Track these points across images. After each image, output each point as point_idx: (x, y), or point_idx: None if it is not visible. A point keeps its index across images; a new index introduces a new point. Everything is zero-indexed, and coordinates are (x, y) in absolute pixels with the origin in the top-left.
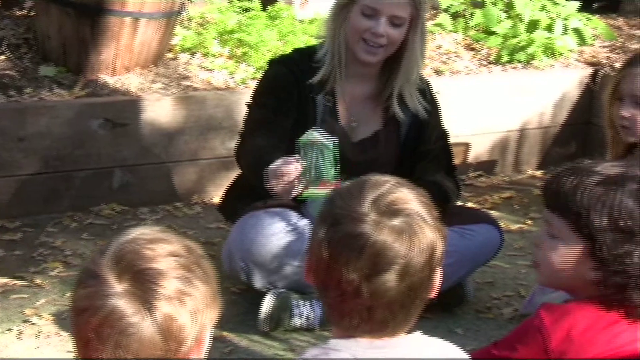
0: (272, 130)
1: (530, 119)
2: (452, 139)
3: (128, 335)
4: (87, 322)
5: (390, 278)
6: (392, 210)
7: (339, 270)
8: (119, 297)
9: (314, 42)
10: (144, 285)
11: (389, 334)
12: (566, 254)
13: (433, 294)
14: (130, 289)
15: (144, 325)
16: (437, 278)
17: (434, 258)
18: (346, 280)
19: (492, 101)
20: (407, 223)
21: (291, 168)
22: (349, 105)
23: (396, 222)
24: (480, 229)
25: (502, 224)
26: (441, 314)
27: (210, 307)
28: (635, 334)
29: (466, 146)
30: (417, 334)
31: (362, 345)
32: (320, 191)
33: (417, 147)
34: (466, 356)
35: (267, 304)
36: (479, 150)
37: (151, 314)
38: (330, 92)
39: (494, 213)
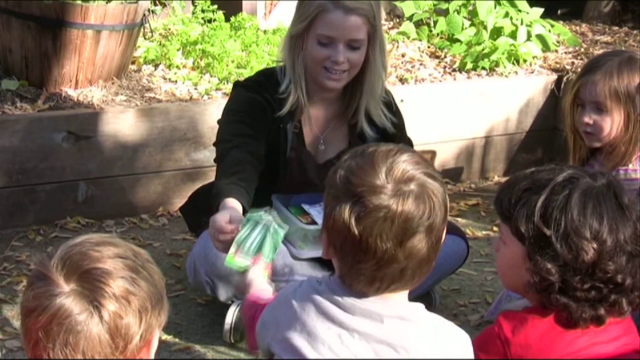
0: (251, 141)
1: (496, 126)
2: (418, 147)
3: (76, 333)
4: (35, 322)
5: (420, 238)
6: (406, 178)
7: (373, 243)
8: (66, 296)
9: (277, 50)
10: (91, 284)
11: (408, 287)
12: (509, 257)
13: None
14: (78, 289)
15: (91, 323)
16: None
17: (447, 208)
18: (381, 250)
19: (457, 108)
20: (421, 185)
21: (227, 230)
22: (316, 128)
23: (413, 186)
24: (447, 240)
25: (468, 231)
26: None
27: (157, 308)
28: (593, 338)
29: (432, 154)
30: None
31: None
32: (244, 262)
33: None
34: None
35: (231, 316)
36: (444, 157)
37: (98, 311)
38: (297, 119)
39: (460, 220)
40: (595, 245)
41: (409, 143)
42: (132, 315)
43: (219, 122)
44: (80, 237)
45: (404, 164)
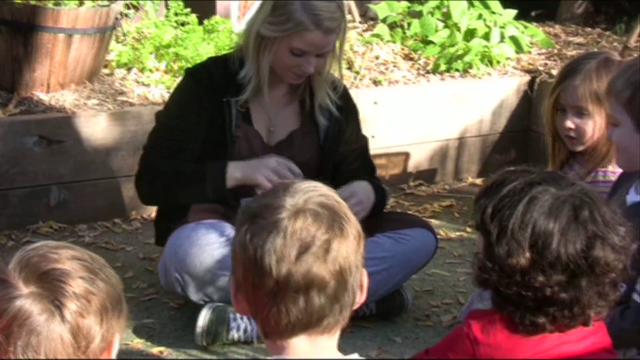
0: (179, 154)
1: (469, 127)
2: (392, 148)
3: (37, 334)
4: None
5: (318, 260)
6: (307, 197)
7: (267, 262)
8: (26, 298)
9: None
10: (50, 284)
11: (326, 331)
12: (478, 246)
13: (363, 295)
14: (37, 290)
15: (53, 323)
16: (364, 277)
17: (360, 244)
18: (277, 270)
19: (431, 110)
20: (325, 207)
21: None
22: (268, 110)
23: (313, 206)
24: (415, 234)
25: (442, 232)
26: (380, 323)
27: (116, 310)
28: (561, 337)
29: (406, 155)
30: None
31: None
32: None
33: (337, 148)
34: None
35: (203, 318)
36: (418, 159)
37: (60, 311)
38: (247, 98)
39: (434, 221)
40: (528, 255)
41: (364, 138)
42: (93, 315)
43: (158, 115)
44: (38, 243)
45: (311, 192)
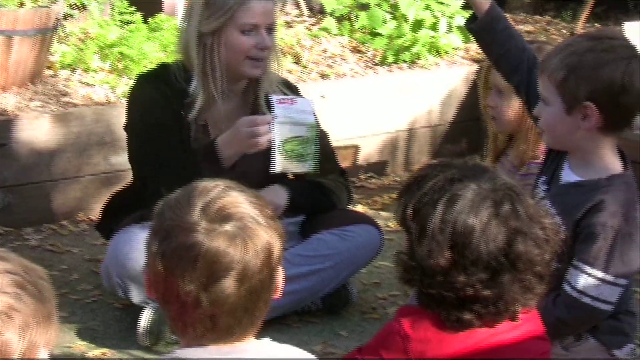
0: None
1: (419, 118)
2: (341, 141)
3: None
4: None
5: (229, 284)
6: (222, 216)
7: (175, 283)
8: None
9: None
10: None
11: (237, 339)
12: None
13: (277, 294)
14: None
15: None
16: (280, 278)
17: (272, 258)
18: (184, 292)
19: (380, 102)
20: (239, 227)
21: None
22: (221, 121)
23: (228, 227)
24: (360, 230)
25: (391, 225)
26: (327, 317)
27: (43, 326)
28: (491, 330)
29: (355, 148)
30: (267, 340)
31: (209, 352)
32: None
33: None
34: None
35: (145, 319)
36: (368, 151)
37: None
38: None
39: (384, 214)
40: (448, 255)
41: (322, 134)
42: (12, 331)
43: (127, 128)
44: None
45: (225, 200)
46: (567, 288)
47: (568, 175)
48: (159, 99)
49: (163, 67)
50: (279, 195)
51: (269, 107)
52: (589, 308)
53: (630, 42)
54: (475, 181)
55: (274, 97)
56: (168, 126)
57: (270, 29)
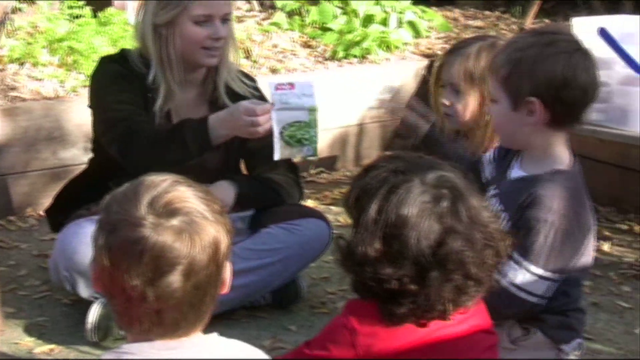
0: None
1: (369, 113)
2: None
3: None
4: None
5: (175, 279)
6: (169, 211)
7: (121, 277)
8: None
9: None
10: None
11: (183, 334)
12: None
13: (225, 289)
14: None
15: None
16: (227, 273)
17: (219, 253)
18: (130, 286)
19: (330, 97)
20: (186, 222)
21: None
22: (180, 110)
23: (175, 222)
24: (309, 224)
25: (341, 219)
26: (276, 311)
27: None
28: (439, 322)
29: None
30: (214, 335)
31: (156, 347)
32: None
33: (245, 143)
34: (265, 356)
35: (93, 314)
36: (318, 146)
37: None
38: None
39: (335, 209)
40: (378, 246)
41: None
42: None
43: (92, 106)
44: None
45: (173, 195)
46: (504, 281)
47: (516, 172)
48: (125, 73)
49: (124, 52)
50: (227, 191)
51: (229, 95)
52: (524, 302)
53: (575, 37)
54: (418, 176)
55: (273, 83)
56: (135, 96)
57: (225, 19)
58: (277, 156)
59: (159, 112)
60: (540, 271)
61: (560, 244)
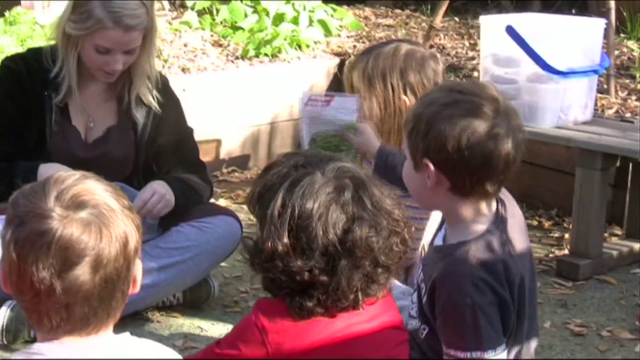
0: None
1: (280, 112)
2: (203, 136)
3: None
4: None
5: (83, 271)
6: (77, 203)
7: (29, 270)
8: None
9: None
10: None
11: (93, 332)
12: None
13: (136, 288)
14: None
15: None
16: (138, 271)
17: (128, 247)
18: (38, 279)
19: (241, 96)
20: (94, 214)
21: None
22: (85, 106)
23: (83, 214)
24: (219, 221)
25: (252, 218)
26: (188, 311)
27: None
28: (350, 319)
29: (217, 142)
30: (126, 335)
31: (66, 347)
32: None
33: (153, 144)
34: (177, 356)
35: (2, 317)
36: (230, 145)
37: None
38: (64, 95)
39: (247, 207)
40: (286, 240)
41: (185, 130)
42: None
43: None
44: None
45: (81, 188)
46: None
47: (438, 238)
48: (20, 73)
49: (31, 51)
50: (169, 189)
51: (137, 101)
52: None
53: (488, 96)
54: (319, 169)
55: (305, 97)
56: (9, 113)
57: (129, 52)
58: None
59: (56, 108)
60: (484, 353)
61: (488, 320)
